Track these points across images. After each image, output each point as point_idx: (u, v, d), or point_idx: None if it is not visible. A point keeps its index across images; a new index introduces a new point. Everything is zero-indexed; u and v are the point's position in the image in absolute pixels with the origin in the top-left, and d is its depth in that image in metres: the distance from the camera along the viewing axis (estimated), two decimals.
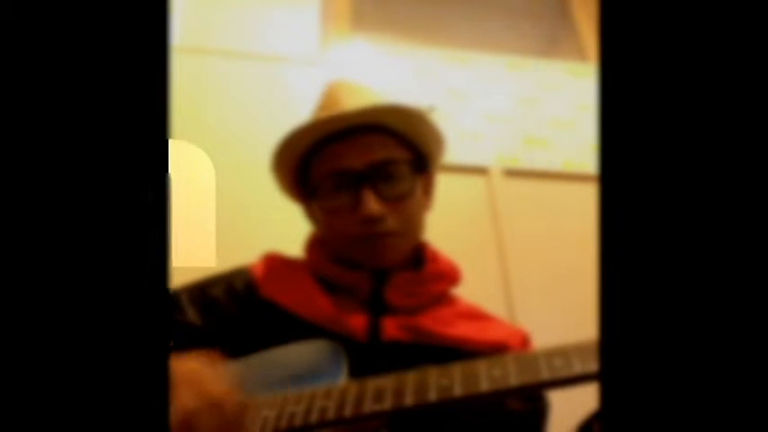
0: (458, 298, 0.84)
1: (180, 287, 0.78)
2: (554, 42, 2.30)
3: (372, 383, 0.53)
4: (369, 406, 0.51)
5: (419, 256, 0.81)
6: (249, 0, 1.88)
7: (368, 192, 0.72)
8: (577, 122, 1.90)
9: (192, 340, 0.68)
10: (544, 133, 1.86)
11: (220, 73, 1.71)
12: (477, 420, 0.66)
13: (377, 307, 0.74)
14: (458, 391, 0.49)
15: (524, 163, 1.78)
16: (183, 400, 0.50)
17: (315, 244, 0.83)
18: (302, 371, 0.62)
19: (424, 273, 0.78)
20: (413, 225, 0.78)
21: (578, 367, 0.47)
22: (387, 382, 0.52)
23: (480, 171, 1.74)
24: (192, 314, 0.74)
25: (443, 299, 0.80)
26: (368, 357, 0.67)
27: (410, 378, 0.52)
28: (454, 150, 1.60)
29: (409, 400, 0.50)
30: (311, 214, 0.84)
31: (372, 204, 0.71)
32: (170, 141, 0.37)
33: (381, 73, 1.82)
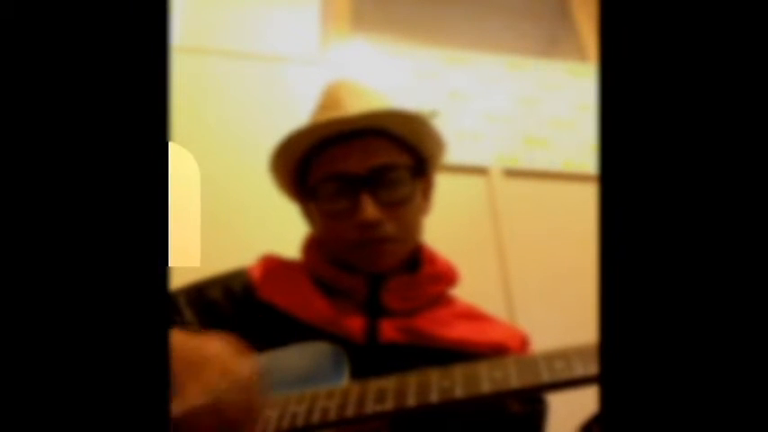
0: (456, 299, 0.83)
1: (177, 289, 0.78)
2: (554, 42, 2.30)
3: (374, 384, 0.53)
4: (371, 407, 0.51)
5: (416, 259, 0.80)
6: (249, 0, 1.88)
7: (367, 197, 0.72)
8: (577, 122, 1.89)
9: None
10: (544, 133, 1.85)
11: (220, 73, 1.71)
12: (477, 421, 0.66)
13: (374, 310, 0.74)
14: (459, 392, 0.50)
15: (524, 163, 1.78)
16: (209, 379, 0.50)
17: (312, 245, 0.83)
18: (304, 374, 0.62)
19: (421, 275, 0.78)
20: (411, 230, 0.77)
21: (579, 370, 0.47)
22: (388, 383, 0.53)
23: (480, 171, 1.74)
24: (189, 316, 0.74)
25: (441, 300, 0.80)
26: (365, 359, 0.67)
27: (412, 379, 0.52)
28: (454, 150, 1.59)
29: (411, 401, 0.50)
30: (309, 215, 0.83)
31: (371, 209, 0.71)
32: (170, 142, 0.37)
33: (381, 73, 1.81)
